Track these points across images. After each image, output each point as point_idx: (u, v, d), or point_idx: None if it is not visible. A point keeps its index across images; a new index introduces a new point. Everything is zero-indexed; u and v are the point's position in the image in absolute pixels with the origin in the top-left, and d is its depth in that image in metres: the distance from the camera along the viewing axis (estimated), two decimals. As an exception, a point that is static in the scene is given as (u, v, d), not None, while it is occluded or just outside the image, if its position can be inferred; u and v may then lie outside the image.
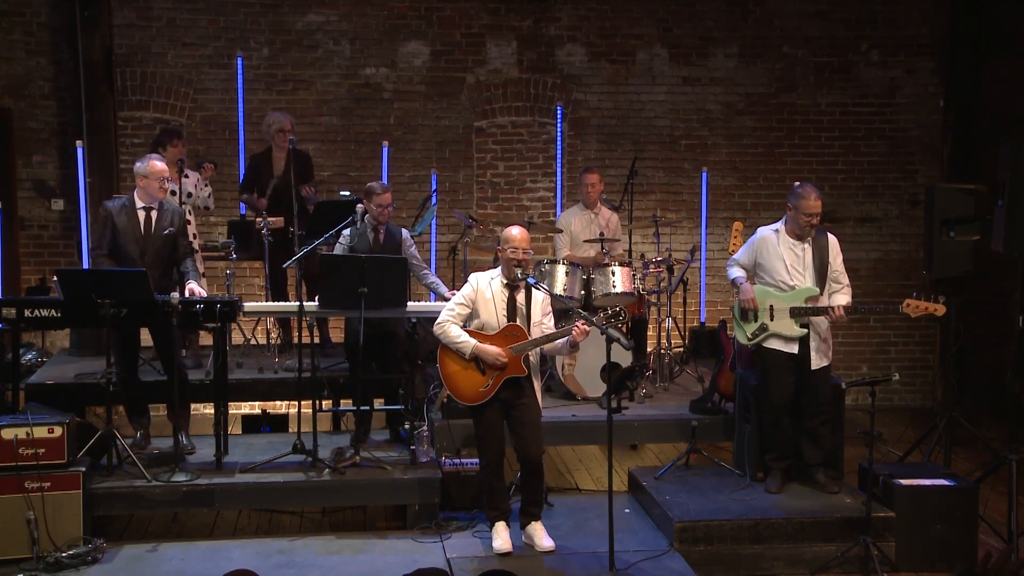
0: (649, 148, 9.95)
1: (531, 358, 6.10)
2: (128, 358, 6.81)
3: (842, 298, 6.47)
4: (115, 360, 6.74)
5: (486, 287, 6.13)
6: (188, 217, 7.67)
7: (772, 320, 6.47)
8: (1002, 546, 6.45)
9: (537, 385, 6.15)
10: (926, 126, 10.13)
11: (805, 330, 6.45)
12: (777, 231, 6.57)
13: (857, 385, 6.74)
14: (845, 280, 6.56)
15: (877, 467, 6.46)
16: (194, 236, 7.97)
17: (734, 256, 6.78)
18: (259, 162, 8.38)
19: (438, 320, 6.18)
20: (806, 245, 6.50)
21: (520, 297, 6.12)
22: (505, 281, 6.13)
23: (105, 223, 6.73)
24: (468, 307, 6.15)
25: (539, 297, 6.17)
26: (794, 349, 6.47)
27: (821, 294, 6.46)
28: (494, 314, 6.09)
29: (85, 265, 8.78)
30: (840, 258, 6.57)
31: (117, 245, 6.70)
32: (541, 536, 6.13)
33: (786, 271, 6.47)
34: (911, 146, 10.19)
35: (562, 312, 6.93)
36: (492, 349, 5.99)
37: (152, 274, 6.55)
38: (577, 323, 5.92)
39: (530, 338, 6.03)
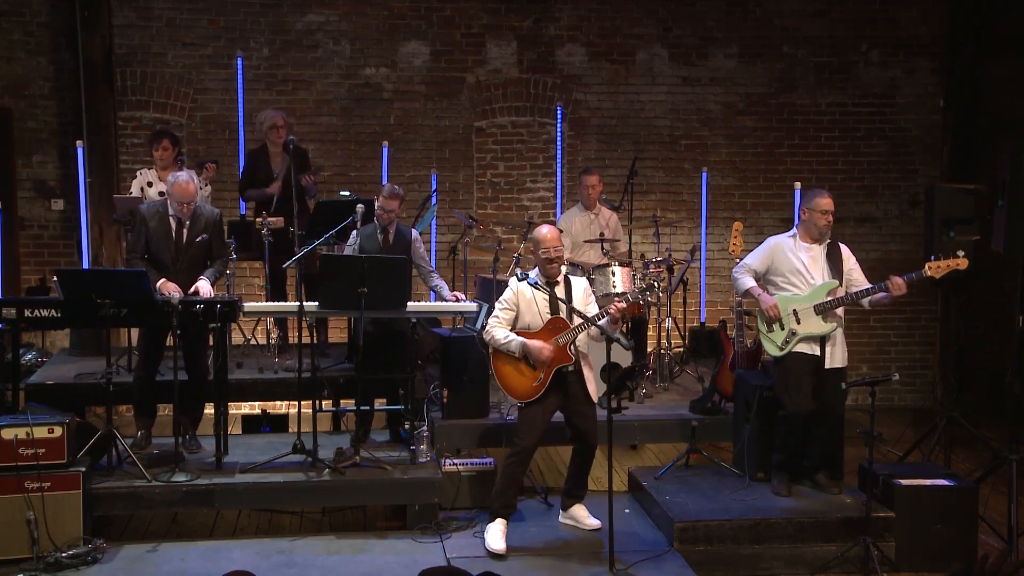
0: (649, 148, 9.95)
1: (579, 347, 6.18)
2: (152, 359, 6.83)
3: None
4: (139, 358, 6.85)
5: (526, 288, 6.21)
6: None
7: (799, 324, 6.40)
8: (1001, 546, 6.45)
9: (589, 374, 6.26)
10: (926, 126, 10.13)
11: (834, 324, 6.41)
12: (792, 236, 6.54)
13: (857, 385, 6.74)
14: (863, 277, 6.54)
15: (877, 467, 6.46)
16: None
17: (744, 262, 6.62)
18: (257, 158, 8.37)
19: (485, 327, 6.31)
20: (821, 248, 6.49)
21: (560, 292, 6.19)
22: (543, 280, 6.18)
23: (140, 227, 6.75)
24: (512, 311, 6.24)
25: (580, 288, 6.28)
26: (816, 351, 6.43)
27: (840, 285, 6.45)
28: (537, 313, 6.20)
29: (85, 265, 8.79)
30: (854, 259, 6.57)
31: (151, 250, 6.74)
32: (586, 516, 6.43)
33: (804, 267, 6.44)
34: (911, 146, 10.19)
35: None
36: (536, 343, 6.11)
37: (186, 279, 6.64)
38: (614, 301, 6.05)
39: (572, 326, 6.11)
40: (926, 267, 6.24)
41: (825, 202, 6.43)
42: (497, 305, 6.33)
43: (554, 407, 6.23)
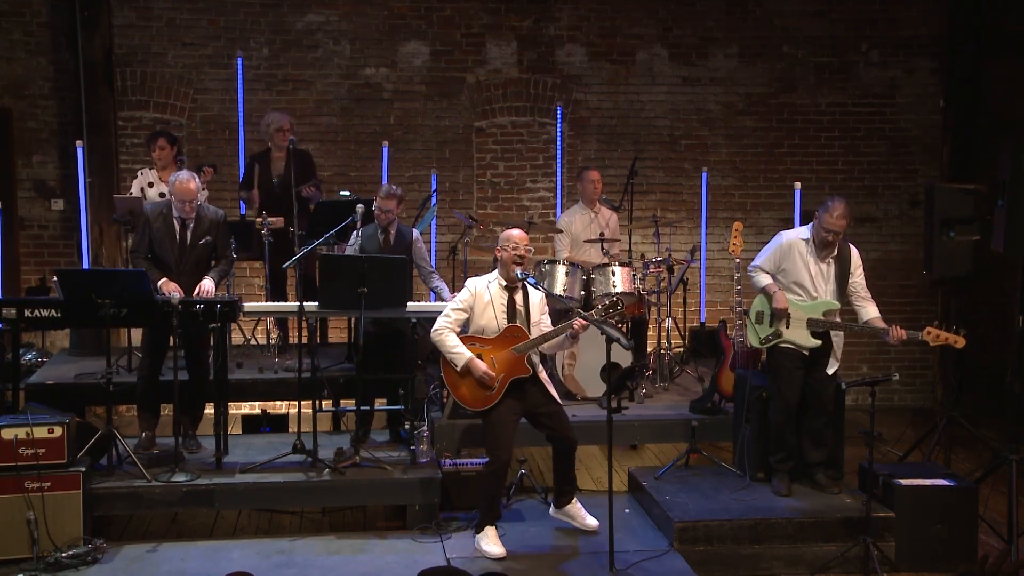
0: (649, 148, 9.95)
1: (533, 357, 6.12)
2: (156, 358, 6.83)
3: (872, 310, 6.45)
4: (142, 358, 6.85)
5: (484, 291, 6.14)
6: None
7: (788, 328, 6.44)
8: (1001, 546, 6.45)
9: (544, 376, 6.20)
10: (926, 126, 10.13)
11: (819, 341, 6.43)
12: (806, 240, 6.50)
13: (857, 385, 6.73)
14: (868, 294, 6.53)
15: (877, 467, 6.47)
16: None
17: (755, 262, 6.65)
18: (258, 161, 8.39)
19: (435, 327, 6.19)
20: (830, 257, 6.49)
21: (519, 298, 6.14)
22: (504, 283, 6.14)
23: (144, 227, 6.77)
24: (465, 312, 6.17)
25: (536, 297, 6.17)
26: (805, 350, 6.47)
27: (840, 307, 6.46)
28: (493, 317, 6.11)
29: (85, 265, 8.79)
30: (861, 270, 6.54)
31: (154, 251, 6.75)
32: (583, 514, 6.33)
33: (810, 281, 6.45)
34: (911, 146, 10.19)
35: (562, 312, 6.95)
36: (482, 366, 6.01)
37: (189, 280, 6.65)
38: (576, 318, 5.94)
39: (530, 338, 6.03)
40: (925, 330, 6.26)
41: (831, 221, 6.33)
42: (450, 305, 6.27)
43: (518, 412, 6.12)
